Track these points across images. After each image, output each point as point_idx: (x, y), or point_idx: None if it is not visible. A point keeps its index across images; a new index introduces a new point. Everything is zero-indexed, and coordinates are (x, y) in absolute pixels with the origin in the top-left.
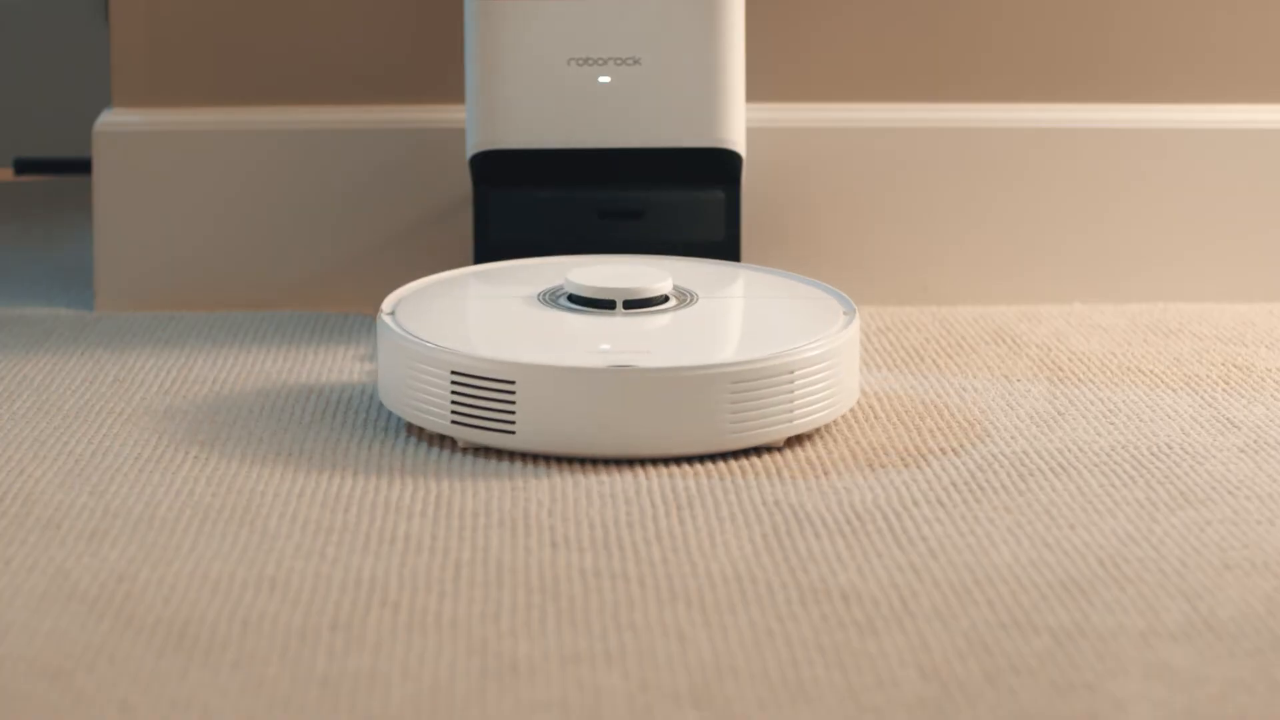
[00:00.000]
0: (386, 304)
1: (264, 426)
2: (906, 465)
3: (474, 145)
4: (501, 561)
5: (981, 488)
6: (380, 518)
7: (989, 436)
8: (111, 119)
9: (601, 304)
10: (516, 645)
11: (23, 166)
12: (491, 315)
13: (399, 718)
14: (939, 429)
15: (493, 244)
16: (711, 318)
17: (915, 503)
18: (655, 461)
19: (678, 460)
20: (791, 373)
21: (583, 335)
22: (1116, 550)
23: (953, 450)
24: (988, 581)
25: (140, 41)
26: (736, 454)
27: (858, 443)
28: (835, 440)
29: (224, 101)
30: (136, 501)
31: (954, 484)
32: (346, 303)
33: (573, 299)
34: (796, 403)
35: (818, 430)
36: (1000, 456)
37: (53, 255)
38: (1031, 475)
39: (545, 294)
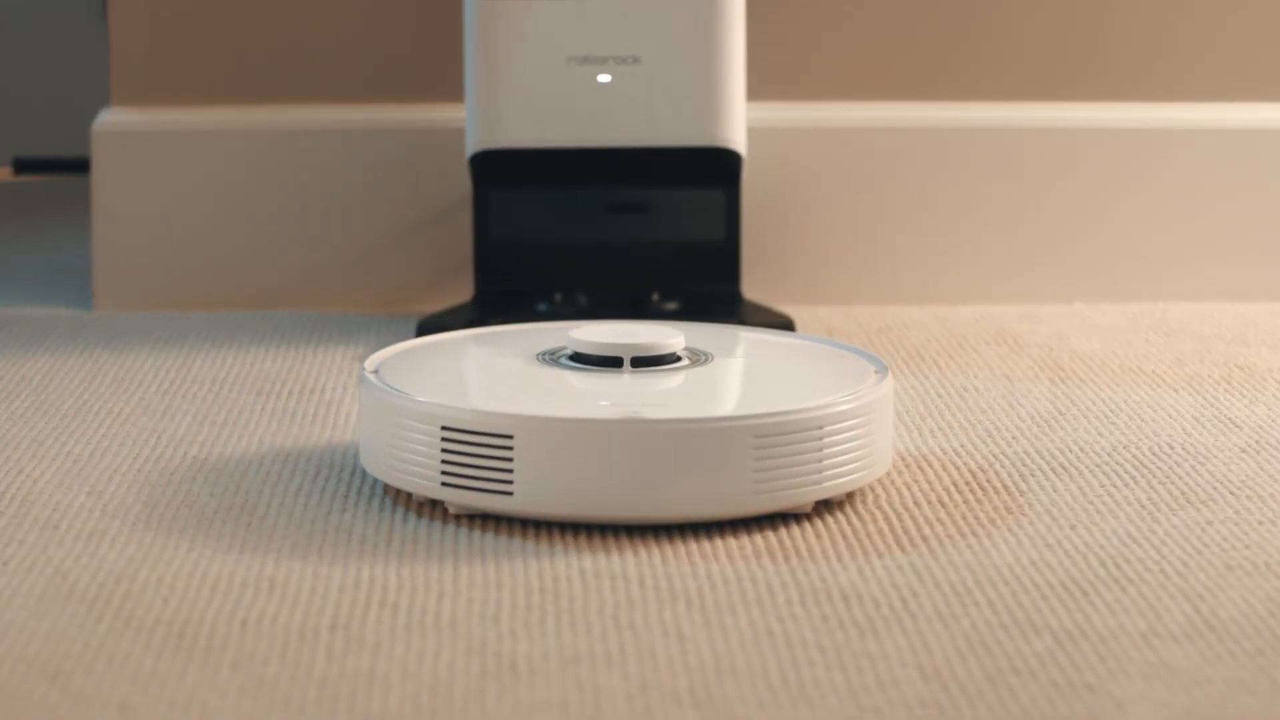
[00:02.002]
0: (369, 364)
1: (263, 427)
2: (907, 466)
3: (474, 145)
4: (501, 561)
5: (982, 488)
6: (379, 518)
7: (990, 437)
8: (110, 118)
9: (608, 362)
10: (516, 645)
11: (22, 166)
12: (487, 373)
13: (398, 718)
14: (940, 429)
15: (493, 244)
16: (728, 376)
17: (915, 503)
18: (670, 529)
19: (694, 527)
20: (821, 428)
21: (588, 393)
22: (1118, 551)
23: (953, 450)
24: (988, 582)
25: (140, 40)
26: (760, 520)
27: None
28: (868, 506)
29: (224, 101)
30: (135, 502)
31: (954, 484)
32: (346, 303)
33: (576, 358)
34: (825, 462)
35: (848, 496)
36: (1001, 457)
37: (52, 255)
38: (1032, 475)
39: (546, 354)
